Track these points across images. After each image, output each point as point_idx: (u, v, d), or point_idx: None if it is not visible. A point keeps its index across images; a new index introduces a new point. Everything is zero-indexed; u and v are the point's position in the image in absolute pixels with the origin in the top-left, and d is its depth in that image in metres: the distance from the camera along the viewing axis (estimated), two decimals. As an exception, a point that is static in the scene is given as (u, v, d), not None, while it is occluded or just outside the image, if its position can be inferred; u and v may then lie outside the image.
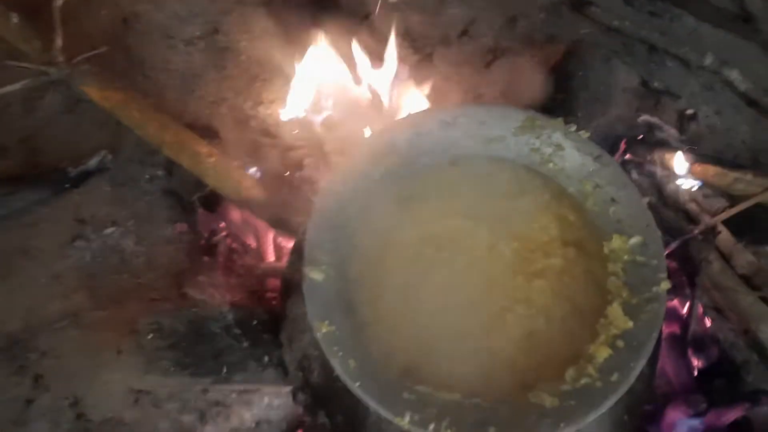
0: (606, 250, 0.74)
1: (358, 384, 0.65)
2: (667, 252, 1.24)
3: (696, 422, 1.10)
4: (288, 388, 1.08)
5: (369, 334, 0.72)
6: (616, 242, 0.73)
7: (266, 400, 1.11)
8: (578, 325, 0.71)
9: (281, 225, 1.18)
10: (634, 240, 0.71)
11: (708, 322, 1.20)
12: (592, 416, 0.63)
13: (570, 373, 0.67)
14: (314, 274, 0.69)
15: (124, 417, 1.06)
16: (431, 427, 0.63)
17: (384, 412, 0.64)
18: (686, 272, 1.20)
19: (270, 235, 1.23)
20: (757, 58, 1.33)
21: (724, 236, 1.19)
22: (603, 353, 0.67)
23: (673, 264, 1.25)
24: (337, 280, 0.72)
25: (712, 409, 1.10)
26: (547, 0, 1.43)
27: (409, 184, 0.78)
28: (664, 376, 1.20)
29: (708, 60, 1.32)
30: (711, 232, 1.20)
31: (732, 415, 1.10)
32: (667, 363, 1.19)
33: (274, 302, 1.05)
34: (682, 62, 1.35)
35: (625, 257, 0.71)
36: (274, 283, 1.18)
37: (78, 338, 1.12)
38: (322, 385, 0.77)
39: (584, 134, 0.76)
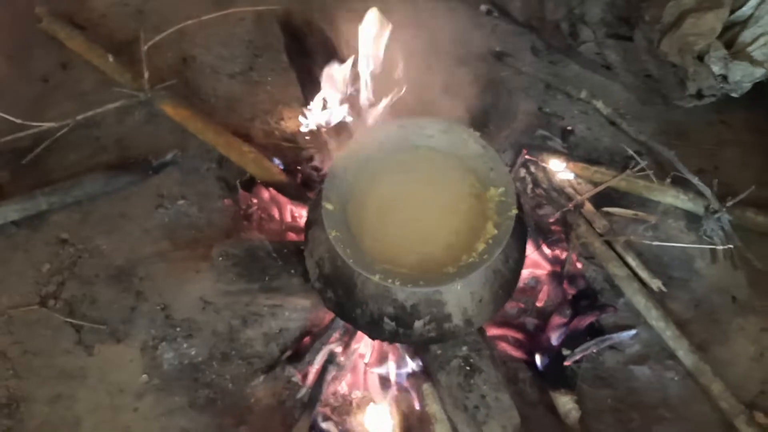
0: (487, 195, 1.25)
1: (351, 261, 1.18)
2: (552, 219, 1.76)
3: (566, 324, 1.63)
4: (305, 303, 1.59)
5: (358, 240, 1.25)
6: (492, 192, 1.24)
7: (287, 314, 1.56)
8: (472, 235, 1.23)
9: (297, 198, 1.64)
10: (501, 189, 1.22)
11: (579, 265, 1.70)
12: (473, 273, 1.17)
13: (464, 257, 1.21)
14: (328, 206, 1.23)
15: (196, 318, 1.54)
16: (389, 280, 1.17)
17: (365, 274, 1.16)
18: (565, 232, 1.67)
19: (288, 206, 1.67)
20: (615, 93, 1.82)
21: (588, 208, 1.65)
22: (481, 246, 1.19)
23: (557, 227, 1.70)
24: (340, 211, 1.24)
25: (576, 316, 1.65)
26: (479, 52, 1.93)
27: (381, 162, 1.30)
28: (550, 300, 1.75)
29: (583, 93, 1.79)
30: (580, 205, 1.66)
31: (588, 319, 1.59)
32: (551, 290, 1.72)
33: (294, 239, 1.57)
34: (567, 95, 1.82)
35: (496, 199, 1.24)
36: (292, 233, 1.69)
37: (165, 268, 1.59)
38: (329, 273, 1.30)
39: (477, 134, 1.30)
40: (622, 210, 1.60)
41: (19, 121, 1.65)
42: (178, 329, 1.54)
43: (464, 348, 1.37)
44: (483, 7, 2.00)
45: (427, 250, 1.25)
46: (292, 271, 1.45)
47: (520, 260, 1.33)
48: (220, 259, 1.45)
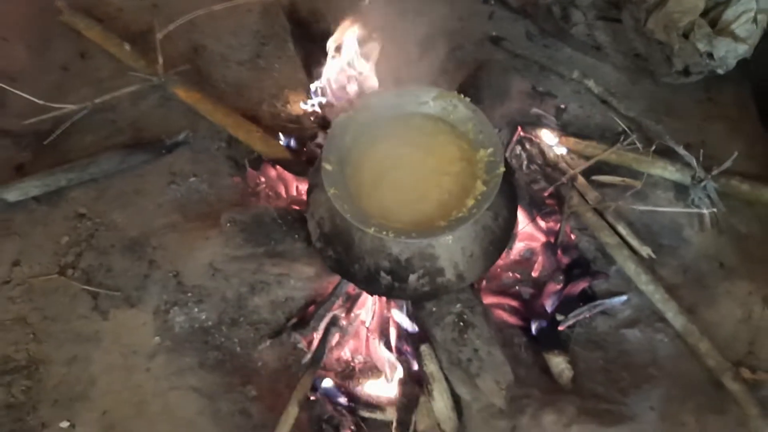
0: (477, 157, 1.31)
1: (349, 215, 1.24)
2: (547, 193, 1.81)
3: (559, 291, 1.69)
4: (309, 271, 1.65)
5: (355, 199, 1.32)
6: (481, 153, 1.30)
7: (292, 282, 1.61)
8: (463, 193, 1.29)
9: (300, 173, 1.71)
10: (489, 150, 1.29)
11: (573, 237, 1.77)
12: (462, 227, 1.24)
13: (454, 213, 1.27)
14: (327, 166, 1.29)
15: (206, 285, 1.60)
16: (383, 233, 1.24)
17: (362, 227, 1.23)
18: (558, 204, 1.72)
19: (294, 183, 1.75)
20: (606, 73, 1.88)
21: (581, 181, 1.70)
22: (470, 202, 1.25)
23: (551, 201, 1.78)
24: (339, 172, 1.31)
25: (569, 283, 1.70)
26: (476, 37, 2.03)
27: (377, 127, 1.37)
28: (545, 270, 1.80)
29: (575, 74, 1.85)
30: (573, 179, 1.71)
31: (580, 285, 1.64)
32: (545, 260, 1.77)
33: (298, 209, 1.65)
34: (560, 75, 1.87)
35: (485, 159, 1.30)
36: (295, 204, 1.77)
37: (177, 238, 1.65)
38: (329, 232, 1.36)
39: (467, 99, 1.38)
40: (610, 177, 1.65)
41: (41, 102, 1.74)
42: (189, 294, 1.60)
43: (458, 305, 1.42)
44: (480, -4, 2.07)
45: (420, 208, 1.32)
46: (296, 236, 1.52)
47: (510, 219, 1.39)
48: (228, 225, 1.53)
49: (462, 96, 1.36)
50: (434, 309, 1.42)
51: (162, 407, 1.50)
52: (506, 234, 1.38)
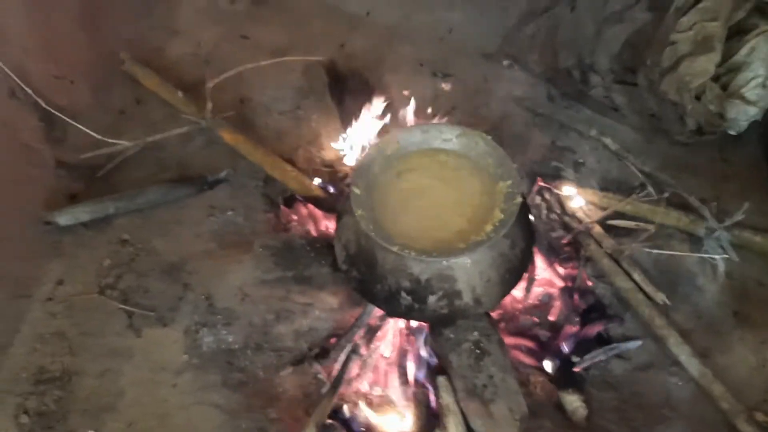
0: (496, 189, 1.39)
1: (373, 234, 1.33)
2: (565, 241, 1.88)
3: (575, 333, 1.71)
4: (333, 302, 1.72)
5: (380, 222, 1.40)
6: (500, 185, 1.38)
7: (317, 313, 1.67)
8: (482, 221, 1.38)
9: (330, 210, 1.80)
10: (508, 182, 1.38)
11: (590, 283, 1.81)
12: (480, 250, 1.31)
13: (473, 237, 1.36)
14: (356, 190, 1.39)
15: (235, 309, 1.67)
16: (406, 251, 1.31)
17: (385, 245, 1.31)
18: (576, 251, 1.77)
19: (323, 221, 1.83)
20: (623, 132, 1.95)
21: (597, 230, 1.76)
22: (489, 228, 1.34)
23: (569, 248, 1.85)
24: (366, 196, 1.41)
25: (586, 326, 1.73)
26: (500, 96, 2.09)
27: (404, 159, 1.47)
28: (562, 314, 1.83)
29: (593, 132, 1.92)
30: (590, 227, 1.78)
31: (596, 328, 1.67)
32: (563, 304, 1.81)
33: (326, 238, 1.72)
34: (579, 133, 1.96)
35: (504, 191, 1.39)
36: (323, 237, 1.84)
37: (211, 264, 1.73)
38: (354, 254, 1.44)
39: (487, 136, 1.48)
40: (624, 222, 1.71)
41: (98, 137, 1.89)
42: (218, 317, 1.67)
43: (475, 333, 1.47)
44: (505, 62, 2.22)
45: (440, 235, 1.39)
46: (323, 261, 1.61)
47: (526, 251, 1.46)
48: (261, 249, 1.62)
49: (484, 134, 1.46)
50: (452, 336, 1.46)
51: (185, 421, 1.54)
52: (522, 264, 1.44)
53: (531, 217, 1.53)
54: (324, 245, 1.64)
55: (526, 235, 1.45)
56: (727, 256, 1.61)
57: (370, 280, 1.41)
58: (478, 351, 1.44)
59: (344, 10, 2.45)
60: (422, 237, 1.38)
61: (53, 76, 1.92)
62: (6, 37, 1.69)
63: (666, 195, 1.69)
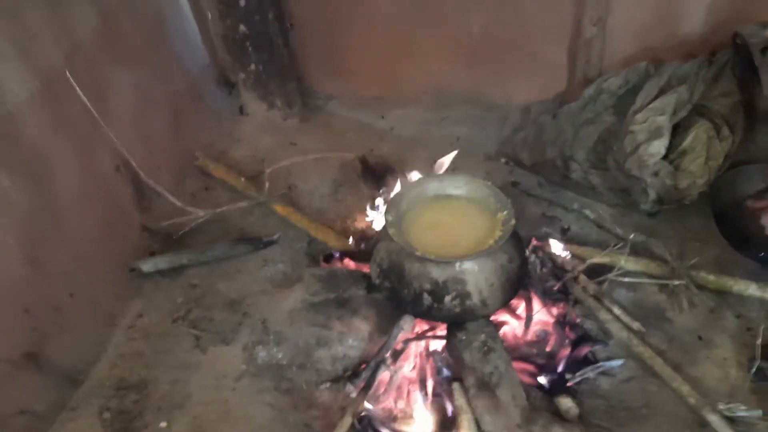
0: (496, 218, 1.79)
1: (402, 242, 1.72)
2: (556, 287, 2.23)
3: (567, 355, 2.00)
4: (364, 330, 2.03)
5: (407, 240, 1.80)
6: (499, 215, 1.78)
7: (350, 341, 1.97)
8: (485, 238, 1.78)
9: (362, 261, 2.16)
10: (505, 212, 1.77)
11: (578, 320, 2.14)
12: (484, 258, 1.68)
13: (477, 249, 1.74)
14: (389, 216, 1.80)
15: (285, 331, 1.95)
16: (427, 255, 1.69)
17: (411, 250, 1.69)
18: (565, 294, 2.16)
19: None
20: (600, 208, 2.31)
21: (582, 277, 2.06)
22: (490, 242, 1.73)
23: (560, 293, 2.23)
24: (397, 224, 1.82)
25: (575, 349, 2.02)
26: (498, 183, 2.62)
27: (424, 201, 1.89)
28: (556, 345, 2.12)
29: (575, 205, 2.29)
30: (576, 275, 2.14)
31: (585, 349, 1.94)
32: (556, 336, 2.11)
33: (361, 270, 2.08)
34: (564, 207, 2.33)
35: (502, 218, 1.79)
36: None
37: (266, 298, 2.10)
38: (387, 268, 1.79)
39: (488, 182, 1.91)
40: (598, 258, 2.08)
41: (179, 204, 2.34)
42: (271, 337, 1.97)
43: (482, 335, 1.78)
44: (503, 160, 2.70)
45: (454, 250, 1.77)
46: (358, 286, 1.96)
47: (520, 266, 1.82)
48: (309, 276, 1.99)
49: (486, 181, 1.89)
50: (464, 337, 1.78)
51: (242, 415, 1.81)
52: (517, 277, 1.79)
53: (522, 241, 1.90)
54: (360, 275, 2.00)
55: (519, 254, 1.82)
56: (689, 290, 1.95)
57: (399, 287, 1.76)
58: (485, 348, 1.75)
59: (373, 126, 2.99)
60: (439, 251, 1.75)
61: (147, 162, 2.41)
62: (121, 132, 2.20)
63: (632, 237, 2.06)
